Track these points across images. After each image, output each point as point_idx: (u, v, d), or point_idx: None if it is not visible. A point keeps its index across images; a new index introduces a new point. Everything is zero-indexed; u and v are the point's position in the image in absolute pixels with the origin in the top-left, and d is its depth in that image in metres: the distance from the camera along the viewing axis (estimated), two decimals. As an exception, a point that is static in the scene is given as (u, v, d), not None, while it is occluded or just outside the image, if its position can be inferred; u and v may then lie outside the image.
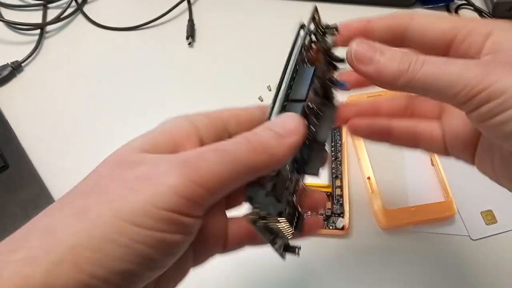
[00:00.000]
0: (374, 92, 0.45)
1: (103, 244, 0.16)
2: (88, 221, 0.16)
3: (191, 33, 0.52)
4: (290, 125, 0.19)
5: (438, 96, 0.20)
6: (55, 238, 0.16)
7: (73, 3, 0.54)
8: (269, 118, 0.21)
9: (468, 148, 0.25)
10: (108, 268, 0.16)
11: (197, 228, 0.18)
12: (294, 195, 0.23)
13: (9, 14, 0.55)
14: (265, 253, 0.38)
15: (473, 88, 0.18)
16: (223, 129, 0.21)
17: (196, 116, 0.21)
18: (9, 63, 0.49)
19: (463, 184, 0.42)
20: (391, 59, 0.20)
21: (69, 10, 0.54)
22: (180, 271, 0.20)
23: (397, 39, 0.24)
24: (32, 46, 0.51)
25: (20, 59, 0.49)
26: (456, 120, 0.25)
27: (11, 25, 0.53)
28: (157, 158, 0.18)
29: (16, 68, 0.49)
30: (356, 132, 0.28)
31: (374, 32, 0.24)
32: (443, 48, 0.23)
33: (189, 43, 0.52)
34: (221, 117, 0.21)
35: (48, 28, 0.53)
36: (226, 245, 0.22)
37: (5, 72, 0.48)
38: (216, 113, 0.22)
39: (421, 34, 0.23)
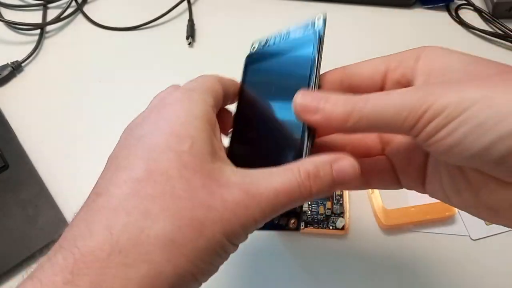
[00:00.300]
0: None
1: (213, 257, 0.19)
2: (205, 238, 0.19)
3: (191, 33, 0.52)
4: (349, 178, 0.22)
5: (387, 128, 0.21)
6: (179, 254, 0.18)
7: (73, 3, 0.54)
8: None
9: (420, 175, 0.25)
10: (207, 275, 0.20)
11: None
12: None
13: (9, 14, 0.55)
14: (265, 254, 0.38)
15: (418, 110, 0.19)
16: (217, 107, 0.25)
17: (207, 97, 0.23)
18: (9, 63, 0.49)
19: (463, 184, 0.42)
20: (336, 103, 0.21)
21: (69, 10, 0.54)
22: None
23: (346, 88, 0.25)
24: (32, 46, 0.51)
25: (20, 59, 0.49)
26: (403, 148, 0.26)
27: (11, 25, 0.53)
28: (244, 186, 0.20)
29: (16, 68, 0.49)
30: None
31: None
32: (380, 81, 0.24)
33: (189, 43, 0.52)
34: (214, 98, 0.24)
35: (48, 28, 0.53)
36: None
37: (5, 72, 0.48)
38: (214, 93, 0.24)
39: (359, 74, 0.25)
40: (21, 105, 0.47)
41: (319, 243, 0.39)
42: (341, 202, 0.40)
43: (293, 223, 0.24)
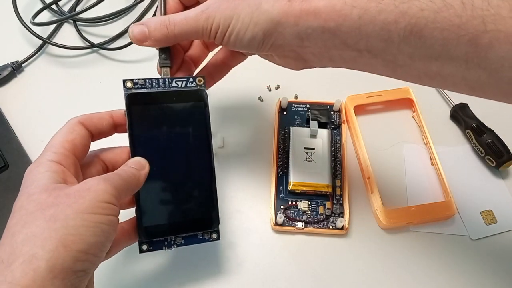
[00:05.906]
0: (373, 92, 0.46)
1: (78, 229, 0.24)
2: (60, 221, 0.24)
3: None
4: (142, 164, 0.30)
5: (199, 38, 0.31)
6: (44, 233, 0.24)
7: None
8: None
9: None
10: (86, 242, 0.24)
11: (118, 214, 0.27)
12: None
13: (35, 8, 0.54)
14: (265, 254, 0.38)
15: (206, 28, 0.29)
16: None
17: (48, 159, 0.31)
18: (9, 63, 0.49)
19: (463, 184, 0.42)
20: (155, 30, 0.31)
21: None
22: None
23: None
24: (34, 46, 0.51)
25: (20, 59, 0.49)
26: None
27: (24, 23, 0.51)
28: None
29: (16, 68, 0.49)
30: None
31: None
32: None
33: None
34: (67, 147, 0.30)
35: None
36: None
37: (5, 72, 0.48)
38: (65, 145, 0.30)
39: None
40: (21, 105, 0.47)
41: (319, 243, 0.39)
42: (341, 202, 0.40)
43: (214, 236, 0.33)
